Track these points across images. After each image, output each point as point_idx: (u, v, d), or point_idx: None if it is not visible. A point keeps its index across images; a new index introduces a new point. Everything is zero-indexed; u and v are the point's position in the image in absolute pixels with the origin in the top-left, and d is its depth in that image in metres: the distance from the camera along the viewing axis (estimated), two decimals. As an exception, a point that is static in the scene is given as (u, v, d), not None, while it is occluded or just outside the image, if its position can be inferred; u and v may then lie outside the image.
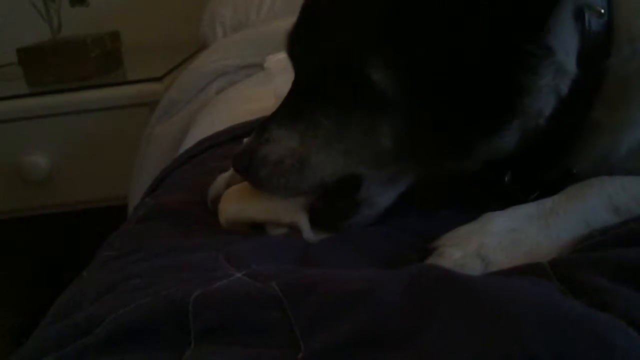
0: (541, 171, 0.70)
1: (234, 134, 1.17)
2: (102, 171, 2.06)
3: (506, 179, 0.70)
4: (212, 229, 0.74)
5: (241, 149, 0.72)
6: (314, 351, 0.46)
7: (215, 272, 0.57)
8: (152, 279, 0.58)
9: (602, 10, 0.63)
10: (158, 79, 2.08)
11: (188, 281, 0.55)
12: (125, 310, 0.51)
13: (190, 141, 1.31)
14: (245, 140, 0.74)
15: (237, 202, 0.74)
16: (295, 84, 0.73)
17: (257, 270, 0.56)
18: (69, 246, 2.23)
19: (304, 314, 0.49)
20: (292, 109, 0.71)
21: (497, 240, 0.58)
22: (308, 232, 0.68)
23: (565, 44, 0.62)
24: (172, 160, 1.20)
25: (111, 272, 0.66)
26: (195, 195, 0.85)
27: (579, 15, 0.63)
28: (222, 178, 0.81)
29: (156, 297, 0.52)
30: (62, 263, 2.19)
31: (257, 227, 0.72)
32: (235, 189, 0.76)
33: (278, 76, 1.34)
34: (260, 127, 0.72)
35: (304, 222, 0.69)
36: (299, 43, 0.71)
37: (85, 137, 2.06)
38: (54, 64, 2.11)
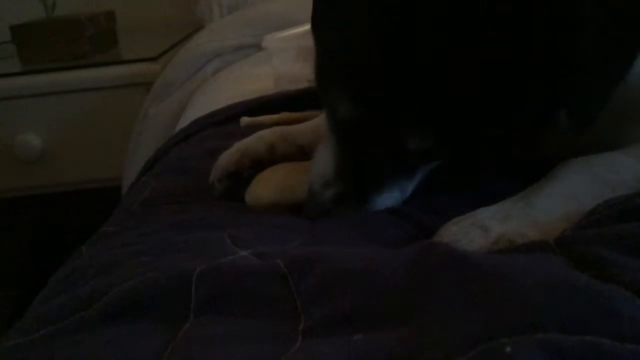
0: None
1: (230, 113, 1.16)
2: (96, 151, 2.04)
3: None
4: (212, 209, 0.73)
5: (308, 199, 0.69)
6: (314, 322, 0.46)
7: (220, 251, 0.57)
8: (158, 256, 0.58)
9: None
10: (153, 59, 2.07)
11: (195, 258, 0.55)
12: (128, 284, 0.51)
13: (185, 122, 1.30)
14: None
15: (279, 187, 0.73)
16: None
17: (263, 251, 0.56)
18: (62, 227, 2.22)
19: (307, 287, 0.49)
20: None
21: (491, 212, 0.60)
22: None
23: None
24: (167, 139, 1.19)
25: (113, 247, 0.65)
26: (195, 180, 0.85)
27: None
28: (238, 149, 0.80)
29: (161, 272, 0.52)
30: (54, 243, 2.18)
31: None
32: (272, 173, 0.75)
33: (275, 56, 1.33)
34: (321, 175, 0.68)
35: None
36: None
37: (79, 116, 2.04)
38: (48, 42, 2.09)
